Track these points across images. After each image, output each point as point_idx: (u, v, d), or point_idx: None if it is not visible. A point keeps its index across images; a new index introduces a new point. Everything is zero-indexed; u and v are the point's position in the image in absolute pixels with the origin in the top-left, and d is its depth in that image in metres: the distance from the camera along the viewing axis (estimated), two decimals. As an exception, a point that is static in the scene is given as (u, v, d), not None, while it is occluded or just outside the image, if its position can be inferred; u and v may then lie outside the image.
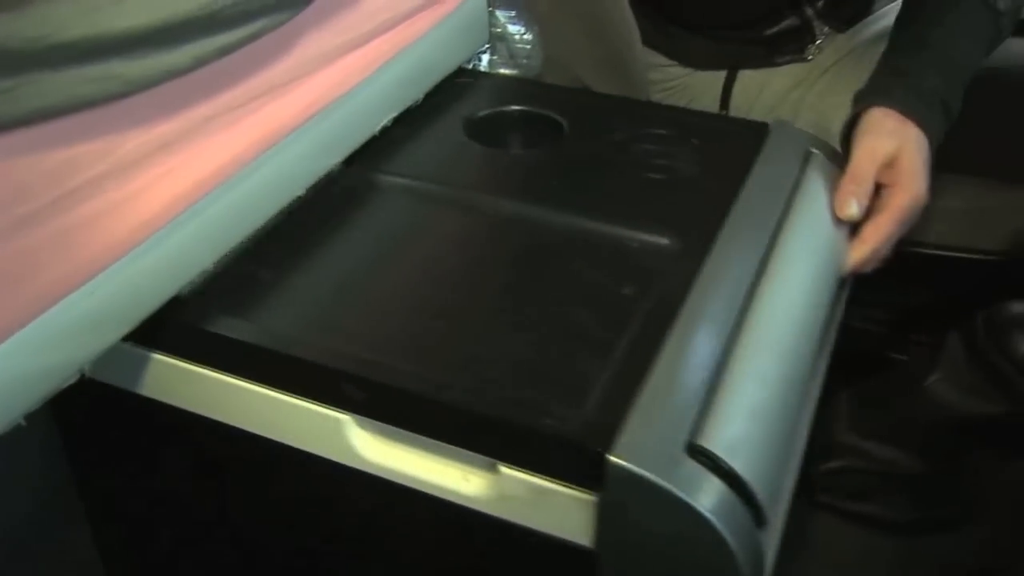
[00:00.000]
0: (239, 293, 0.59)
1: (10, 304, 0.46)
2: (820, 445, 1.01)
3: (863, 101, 0.74)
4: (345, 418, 0.55)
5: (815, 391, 0.61)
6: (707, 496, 0.47)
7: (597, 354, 0.55)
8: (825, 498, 1.01)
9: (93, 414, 0.66)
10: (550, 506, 0.51)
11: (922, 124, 0.71)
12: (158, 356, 0.58)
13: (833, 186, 0.70)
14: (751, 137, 0.74)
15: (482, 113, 0.78)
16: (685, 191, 0.69)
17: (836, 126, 0.90)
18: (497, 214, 0.68)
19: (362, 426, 0.55)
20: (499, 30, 0.92)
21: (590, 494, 0.49)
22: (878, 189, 0.70)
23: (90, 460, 0.72)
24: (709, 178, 0.70)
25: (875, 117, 0.72)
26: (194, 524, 0.70)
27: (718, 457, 0.48)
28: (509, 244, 0.65)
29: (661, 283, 0.60)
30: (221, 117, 0.55)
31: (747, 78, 1.01)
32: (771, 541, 0.52)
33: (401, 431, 0.54)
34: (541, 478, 0.51)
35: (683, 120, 0.77)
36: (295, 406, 0.56)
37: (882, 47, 0.95)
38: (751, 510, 0.49)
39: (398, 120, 0.75)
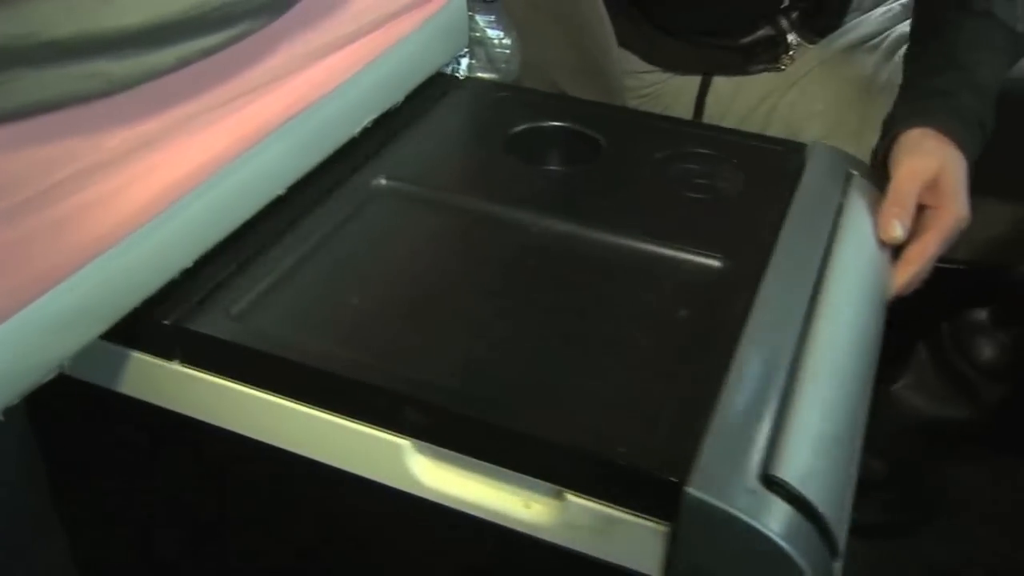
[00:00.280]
0: (277, 308, 0.59)
1: None
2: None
3: (901, 122, 0.74)
4: (404, 443, 0.54)
5: (866, 416, 0.61)
6: (785, 528, 0.47)
7: (660, 379, 0.54)
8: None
9: (70, 412, 0.65)
10: (617, 535, 0.51)
11: (961, 144, 0.72)
12: (138, 355, 0.58)
13: (874, 208, 0.70)
14: (790, 157, 0.74)
15: (520, 128, 0.78)
16: (730, 212, 0.69)
17: (805, 136, 0.95)
18: (540, 232, 0.67)
19: (421, 451, 0.54)
20: (478, 35, 0.93)
21: (662, 524, 0.49)
22: (920, 209, 0.70)
23: (65, 461, 0.70)
24: (753, 199, 0.70)
25: (913, 138, 0.72)
26: (173, 530, 0.69)
27: (794, 488, 0.48)
28: (555, 263, 0.64)
29: (717, 306, 0.59)
30: (203, 115, 0.55)
31: (720, 86, 1.03)
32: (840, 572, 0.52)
33: (458, 456, 0.53)
34: (610, 507, 0.50)
35: (721, 139, 0.77)
36: (314, 417, 0.55)
37: (852, 60, 0.99)
38: (826, 541, 0.49)
39: (435, 132, 0.74)
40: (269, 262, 0.62)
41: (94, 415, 0.65)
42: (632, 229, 0.66)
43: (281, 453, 0.57)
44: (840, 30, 1.03)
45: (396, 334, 0.58)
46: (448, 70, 0.88)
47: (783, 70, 1.01)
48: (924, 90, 0.77)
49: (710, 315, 0.59)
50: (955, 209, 0.69)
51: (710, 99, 1.04)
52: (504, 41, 0.94)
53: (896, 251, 0.70)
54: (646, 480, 0.48)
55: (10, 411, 0.49)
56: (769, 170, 0.73)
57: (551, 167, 0.75)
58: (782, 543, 0.46)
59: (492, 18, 0.94)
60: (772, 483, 0.48)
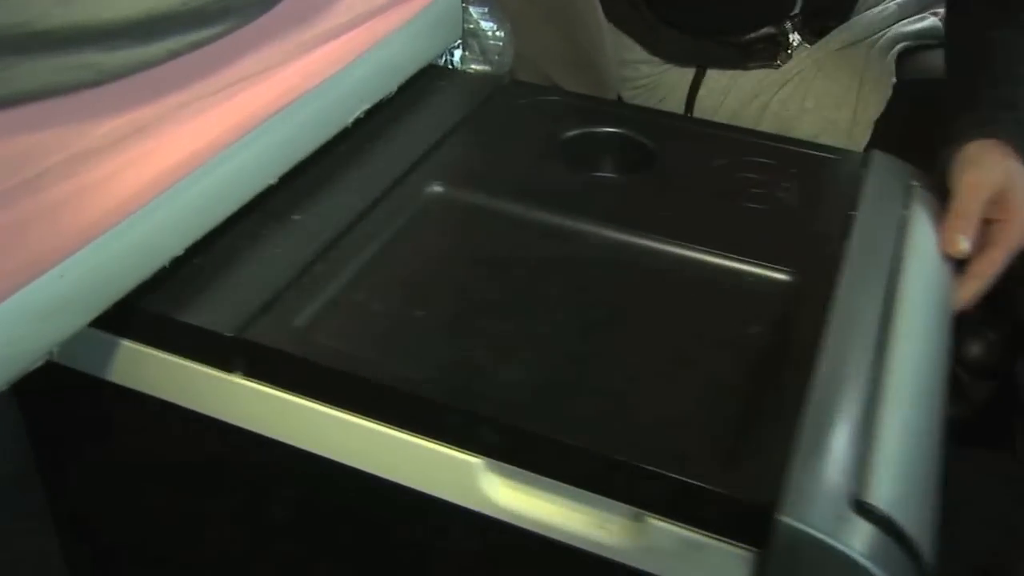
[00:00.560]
0: (342, 319, 0.57)
1: None
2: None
3: (960, 135, 0.73)
4: (476, 461, 0.52)
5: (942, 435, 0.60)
6: (880, 556, 0.46)
7: (737, 399, 0.53)
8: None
9: (59, 400, 0.64)
10: (700, 559, 0.49)
11: None
12: (128, 343, 0.57)
13: (938, 221, 0.69)
14: (850, 167, 0.73)
15: (572, 133, 0.76)
16: (793, 223, 0.68)
17: (796, 134, 0.96)
18: (600, 242, 0.65)
19: (494, 470, 0.53)
20: (471, 26, 0.94)
21: (750, 550, 0.48)
22: (984, 222, 0.69)
23: (55, 449, 0.69)
24: (814, 209, 0.69)
25: (974, 151, 0.71)
26: (166, 522, 0.68)
27: (887, 515, 0.47)
28: (618, 275, 0.63)
29: (789, 323, 0.58)
30: (195, 104, 0.55)
31: (713, 81, 1.03)
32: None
33: (532, 475, 0.52)
34: (693, 530, 0.49)
35: (779, 148, 0.76)
36: (383, 434, 0.54)
37: (845, 59, 0.99)
38: (917, 568, 0.47)
39: (484, 137, 0.73)
40: (328, 271, 0.61)
41: (84, 403, 0.64)
42: (693, 240, 0.65)
43: (343, 468, 0.56)
44: (836, 29, 1.03)
45: (463, 349, 0.56)
46: (441, 62, 0.89)
47: (778, 67, 1.01)
48: (984, 103, 0.76)
49: (783, 331, 0.58)
50: (1021, 222, 0.68)
51: (703, 92, 1.04)
52: (497, 33, 0.95)
53: (958, 264, 0.69)
54: (735, 505, 0.47)
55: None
56: (827, 179, 0.72)
57: (605, 174, 0.74)
58: (877, 572, 0.45)
59: (486, 10, 0.95)
60: (863, 509, 0.47)
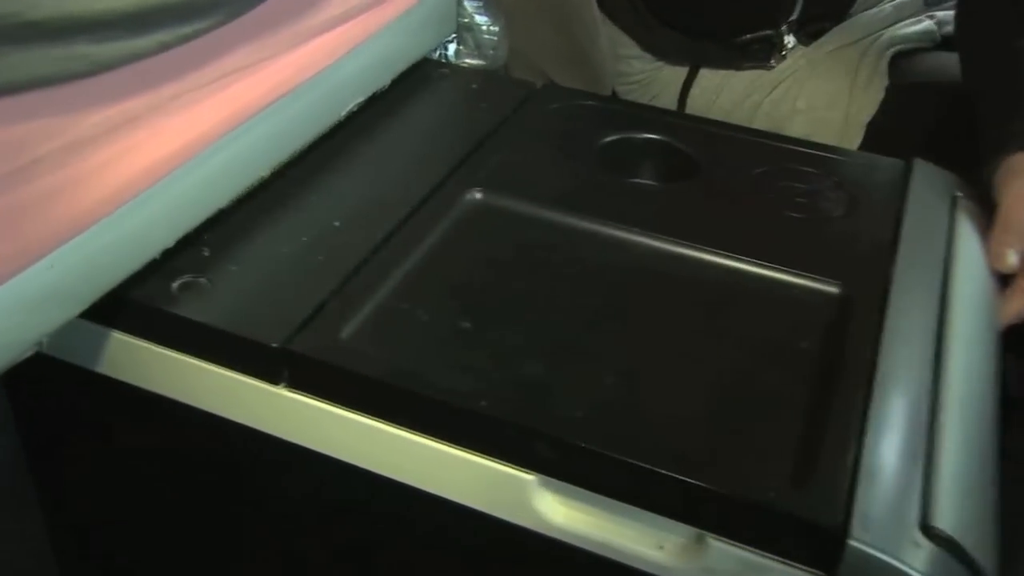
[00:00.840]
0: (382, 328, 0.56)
1: None
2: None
3: (1004, 146, 0.72)
4: (530, 478, 0.51)
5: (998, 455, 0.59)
6: (950, 581, 0.45)
7: (795, 417, 0.52)
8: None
9: (49, 392, 0.64)
10: (763, 581, 0.48)
11: None
12: (118, 335, 0.57)
13: (985, 233, 0.68)
14: (894, 176, 0.72)
15: (610, 139, 0.75)
16: (839, 234, 0.67)
17: (788, 134, 0.94)
18: (644, 252, 0.64)
19: (548, 487, 0.51)
20: (466, 20, 0.93)
21: (817, 574, 0.47)
22: None
23: (43, 441, 0.69)
24: (860, 220, 0.68)
25: (1020, 161, 0.70)
26: (154, 515, 0.67)
27: (956, 540, 0.46)
28: (663, 286, 0.62)
29: (842, 337, 0.57)
30: (188, 95, 0.55)
31: (706, 79, 1.04)
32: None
33: (587, 493, 0.51)
34: (756, 553, 0.48)
35: (820, 156, 0.74)
36: (434, 449, 0.53)
37: (839, 60, 0.99)
38: (984, 593, 0.47)
39: (523, 142, 0.72)
40: (371, 280, 0.59)
41: (73, 395, 0.63)
42: (740, 251, 0.64)
43: (389, 482, 0.55)
44: (832, 31, 1.02)
45: (514, 362, 0.55)
46: (436, 55, 0.88)
47: (771, 68, 1.01)
48: None
49: (836, 346, 0.57)
50: None
51: (695, 91, 1.04)
52: (492, 28, 0.95)
53: (1004, 278, 0.68)
54: (804, 528, 0.46)
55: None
56: (871, 188, 0.71)
57: (645, 180, 0.73)
58: (949, 599, 0.44)
59: (480, 4, 0.95)
60: (930, 532, 0.46)
